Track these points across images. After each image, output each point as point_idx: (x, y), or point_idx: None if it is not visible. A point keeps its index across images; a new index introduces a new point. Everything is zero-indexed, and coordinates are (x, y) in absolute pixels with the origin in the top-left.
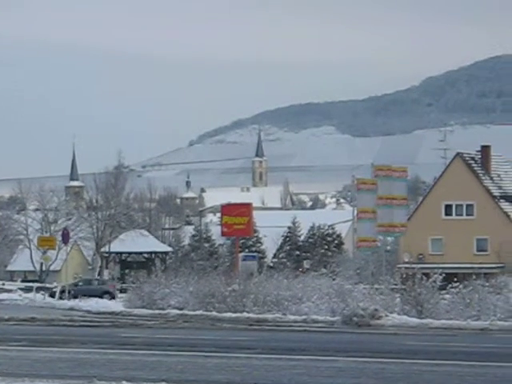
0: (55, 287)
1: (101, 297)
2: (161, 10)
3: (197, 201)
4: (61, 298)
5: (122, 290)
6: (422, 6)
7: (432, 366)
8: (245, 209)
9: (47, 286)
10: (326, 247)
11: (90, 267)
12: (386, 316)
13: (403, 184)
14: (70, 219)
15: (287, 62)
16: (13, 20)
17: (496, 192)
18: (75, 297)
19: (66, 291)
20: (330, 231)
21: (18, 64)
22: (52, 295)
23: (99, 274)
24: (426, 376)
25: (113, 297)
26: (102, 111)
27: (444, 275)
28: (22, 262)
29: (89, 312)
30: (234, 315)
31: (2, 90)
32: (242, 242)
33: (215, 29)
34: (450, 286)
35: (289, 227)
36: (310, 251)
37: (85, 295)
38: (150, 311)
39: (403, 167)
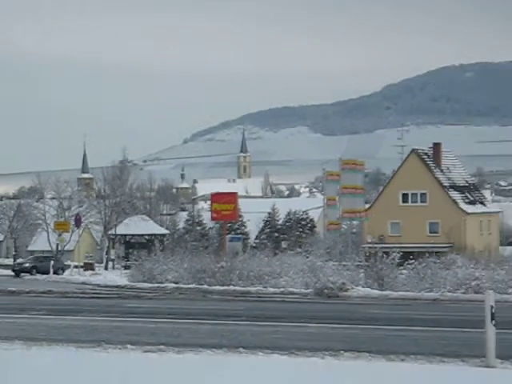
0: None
1: (56, 272)
2: (164, 29)
3: (190, 190)
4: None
5: (127, 267)
6: (380, 21)
7: (391, 330)
8: (231, 197)
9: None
10: (301, 230)
11: (98, 247)
12: (352, 288)
13: (361, 176)
14: (81, 206)
15: (267, 72)
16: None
17: (446, 182)
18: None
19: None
20: (304, 216)
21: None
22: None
23: (107, 254)
24: (387, 339)
25: (63, 271)
26: (110, 114)
27: (401, 254)
28: (40, 242)
29: (98, 286)
30: (222, 288)
31: (27, 99)
32: (228, 225)
33: (208, 46)
34: (406, 262)
35: (269, 213)
36: (286, 233)
37: (44, 270)
38: (150, 285)
39: (362, 161)
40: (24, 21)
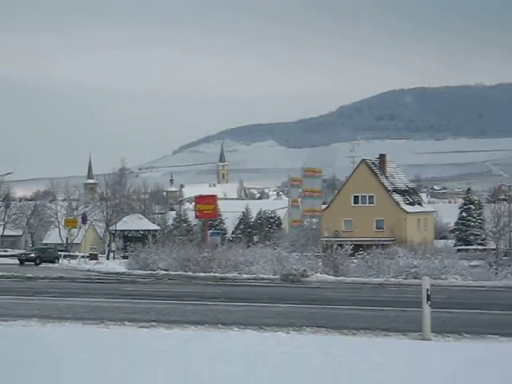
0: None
1: (53, 261)
2: (158, 63)
3: (177, 193)
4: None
5: (125, 257)
6: (335, 52)
7: (344, 309)
8: (212, 199)
9: (71, 254)
10: (270, 226)
11: (101, 241)
12: (312, 275)
13: (320, 181)
14: (87, 206)
15: (242, 95)
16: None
17: (389, 187)
18: (39, 261)
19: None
20: (272, 215)
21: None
22: (21, 261)
23: (108, 246)
24: (341, 317)
25: (58, 260)
26: (111, 130)
27: (353, 246)
28: (53, 237)
29: (101, 272)
30: (204, 274)
31: (43, 115)
32: (209, 222)
33: (192, 74)
34: (357, 253)
35: (243, 212)
36: (258, 229)
37: (46, 260)
38: (144, 272)
39: (320, 169)
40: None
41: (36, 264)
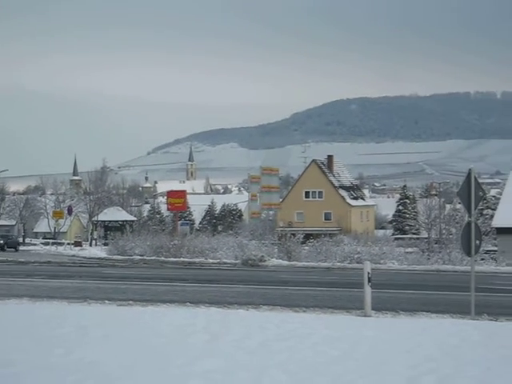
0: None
1: (16, 248)
2: (134, 62)
3: (152, 189)
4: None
5: (105, 244)
6: (291, 64)
7: (297, 290)
8: (181, 194)
9: (58, 241)
10: (232, 217)
11: (85, 230)
12: (269, 260)
13: (276, 178)
14: (72, 200)
15: (209, 102)
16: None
17: (336, 183)
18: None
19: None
20: (234, 208)
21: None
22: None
23: (91, 234)
24: (294, 296)
25: (19, 245)
26: (94, 133)
27: (304, 235)
28: (42, 226)
29: (84, 258)
30: (174, 259)
31: (30, 121)
32: (179, 214)
33: (166, 84)
34: (308, 241)
35: (209, 205)
36: (221, 220)
37: (11, 246)
38: (122, 257)
39: (276, 168)
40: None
41: (2, 249)
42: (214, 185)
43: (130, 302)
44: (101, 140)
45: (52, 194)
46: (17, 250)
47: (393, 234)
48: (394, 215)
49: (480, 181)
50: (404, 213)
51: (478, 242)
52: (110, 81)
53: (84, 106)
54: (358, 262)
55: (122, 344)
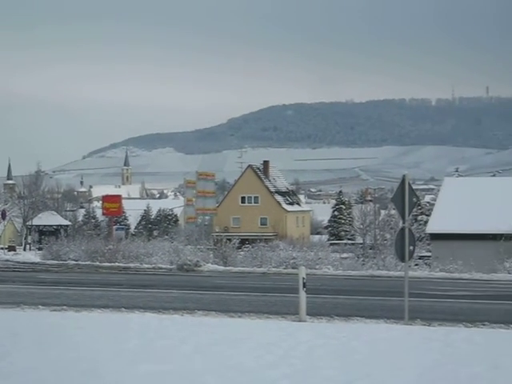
0: None
1: None
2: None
3: (87, 193)
4: None
5: (40, 249)
6: (228, 70)
7: (232, 295)
8: (117, 198)
9: None
10: (168, 222)
11: (19, 234)
12: (204, 265)
13: (212, 183)
14: (7, 204)
15: (145, 106)
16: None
17: (272, 189)
18: None
19: None
20: (170, 212)
21: None
22: None
23: (25, 239)
24: (229, 301)
25: None
26: (28, 137)
27: (240, 240)
28: None
29: (18, 262)
30: (109, 264)
31: None
32: (115, 219)
33: (97, 86)
34: (243, 246)
35: (144, 210)
36: (157, 225)
37: None
38: (57, 262)
39: (213, 173)
40: None
41: None
42: (150, 189)
43: (64, 307)
44: (35, 144)
45: None
46: None
47: (328, 240)
48: (329, 221)
49: (414, 187)
50: (339, 218)
51: (411, 247)
52: (43, 83)
53: (18, 109)
54: (293, 268)
55: (56, 349)
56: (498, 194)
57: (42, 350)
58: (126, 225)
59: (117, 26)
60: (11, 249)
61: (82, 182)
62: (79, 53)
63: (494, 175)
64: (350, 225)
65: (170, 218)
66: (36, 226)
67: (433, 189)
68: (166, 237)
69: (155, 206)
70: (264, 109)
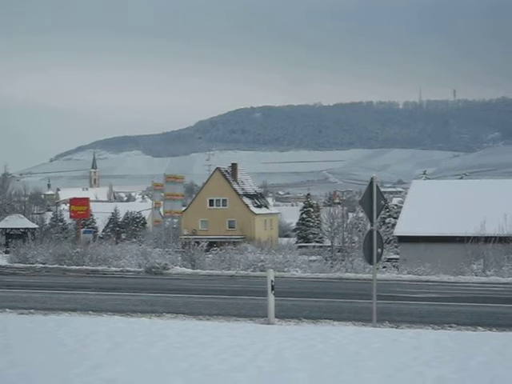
0: None
1: None
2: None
3: (54, 196)
4: None
5: (7, 252)
6: (190, 70)
7: (201, 298)
8: (84, 201)
9: None
10: (136, 225)
11: None
12: (172, 268)
13: (180, 186)
14: None
15: (113, 110)
16: None
17: (240, 191)
18: None
19: None
20: (138, 215)
21: None
22: None
23: None
24: (197, 304)
25: None
26: None
27: (208, 242)
28: None
29: None
30: (77, 267)
31: None
32: (82, 221)
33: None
34: (211, 249)
35: (112, 213)
36: (125, 228)
37: None
38: (24, 265)
39: (182, 176)
40: None
41: None
42: (118, 192)
43: (32, 310)
44: (2, 146)
45: None
46: None
47: (296, 242)
48: (297, 223)
49: (382, 189)
50: (308, 221)
51: (379, 250)
52: (10, 86)
53: None
54: (261, 270)
55: (22, 353)
56: (466, 196)
57: (9, 353)
58: (93, 228)
59: (88, 34)
60: None
61: (49, 185)
62: (49, 60)
63: (461, 178)
64: (318, 227)
65: (137, 220)
66: (3, 229)
67: (400, 191)
68: (134, 240)
69: (123, 209)
70: (232, 111)
